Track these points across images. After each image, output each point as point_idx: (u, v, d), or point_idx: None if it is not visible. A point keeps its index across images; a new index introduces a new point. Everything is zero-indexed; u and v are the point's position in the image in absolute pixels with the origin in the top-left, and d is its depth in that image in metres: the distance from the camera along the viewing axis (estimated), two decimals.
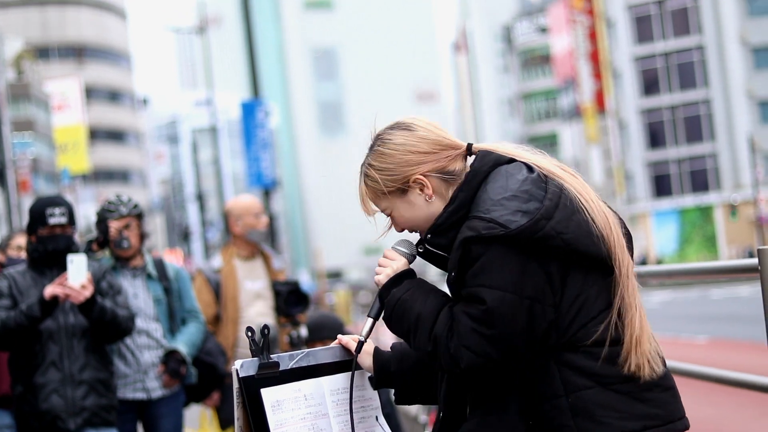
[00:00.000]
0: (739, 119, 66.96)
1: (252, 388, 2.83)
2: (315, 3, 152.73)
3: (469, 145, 2.85)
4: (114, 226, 6.38)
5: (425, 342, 2.71)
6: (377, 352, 2.99)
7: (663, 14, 70.43)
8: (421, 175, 2.80)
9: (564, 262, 2.65)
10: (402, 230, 2.90)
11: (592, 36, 74.56)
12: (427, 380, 2.94)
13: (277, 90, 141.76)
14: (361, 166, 2.90)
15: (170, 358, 6.41)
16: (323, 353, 2.99)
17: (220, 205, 59.01)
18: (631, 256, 2.78)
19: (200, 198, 63.29)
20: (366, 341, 2.93)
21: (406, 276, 2.84)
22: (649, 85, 70.90)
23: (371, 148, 2.89)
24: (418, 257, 2.91)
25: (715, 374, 4.99)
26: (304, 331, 6.70)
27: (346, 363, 2.99)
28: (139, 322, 6.33)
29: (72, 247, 5.72)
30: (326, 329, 6.11)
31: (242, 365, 2.84)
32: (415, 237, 2.91)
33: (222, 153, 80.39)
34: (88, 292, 5.52)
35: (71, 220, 5.76)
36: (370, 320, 2.90)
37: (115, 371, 6.02)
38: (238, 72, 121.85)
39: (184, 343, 6.49)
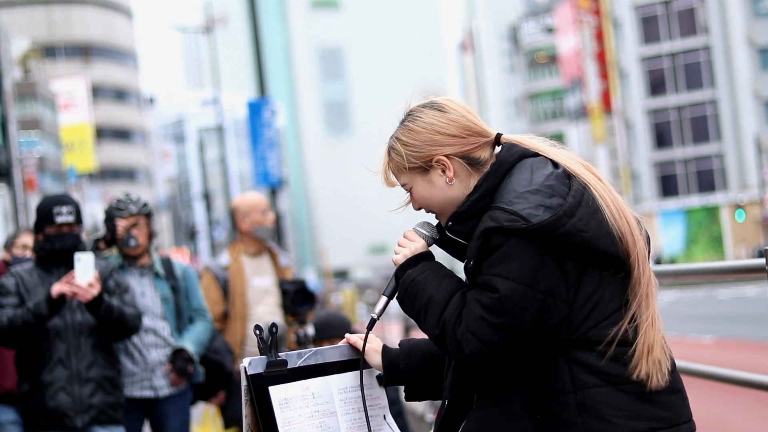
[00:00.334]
0: (746, 119, 66.88)
1: (260, 385, 2.84)
2: (321, 2, 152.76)
3: (498, 135, 2.86)
4: (121, 224, 6.39)
5: (434, 325, 2.73)
6: (386, 349, 2.99)
7: (669, 14, 70.35)
8: (444, 156, 2.80)
9: (581, 260, 2.66)
10: (419, 208, 2.90)
11: (599, 36, 74.49)
12: (437, 375, 2.94)
13: (284, 89, 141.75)
14: (390, 137, 2.91)
15: (177, 356, 6.42)
16: (331, 352, 2.99)
17: (226, 204, 59.03)
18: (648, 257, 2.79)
19: (207, 197, 63.35)
20: (378, 319, 2.92)
21: (423, 258, 2.85)
22: (656, 85, 70.83)
23: (401, 122, 2.89)
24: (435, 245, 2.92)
25: (721, 374, 4.99)
26: (311, 330, 6.70)
27: (354, 362, 2.99)
28: (147, 321, 6.34)
29: (79, 246, 5.73)
30: (334, 328, 6.11)
31: (250, 363, 2.84)
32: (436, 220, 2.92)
33: (228, 152, 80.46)
34: (95, 290, 5.54)
35: (78, 219, 5.77)
36: (384, 298, 2.91)
37: (122, 369, 6.03)
38: (245, 71, 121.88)
39: (191, 342, 6.50)
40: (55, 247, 5.71)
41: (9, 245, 7.42)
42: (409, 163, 2.83)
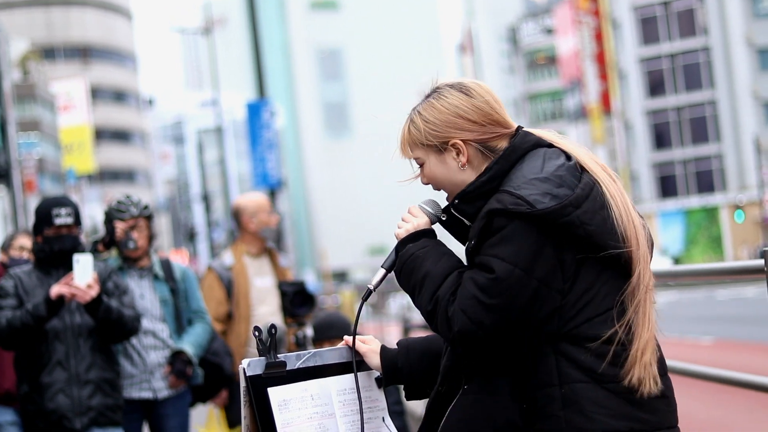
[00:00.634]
0: (745, 120, 66.91)
1: (259, 387, 2.84)
2: (320, 3, 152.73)
3: (519, 128, 2.86)
4: (120, 226, 6.39)
5: (427, 301, 2.74)
6: (384, 349, 3.00)
7: (669, 15, 70.38)
8: (461, 140, 2.81)
9: (581, 253, 2.67)
10: (427, 183, 2.90)
11: (598, 37, 74.51)
12: (435, 372, 2.94)
13: (283, 90, 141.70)
14: (412, 109, 2.91)
15: (176, 358, 6.42)
16: (330, 354, 3.00)
17: (225, 206, 59.01)
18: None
19: (206, 198, 63.32)
20: (374, 291, 2.93)
21: (425, 234, 2.85)
22: (655, 86, 70.86)
23: (426, 96, 2.90)
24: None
25: (720, 375, 4.99)
26: (310, 331, 6.70)
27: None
28: (146, 323, 6.34)
29: (78, 248, 5.73)
30: (334, 329, 6.11)
31: (249, 364, 2.85)
32: (442, 198, 2.93)
33: (227, 153, 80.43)
34: (94, 292, 5.54)
35: (77, 221, 5.77)
36: (382, 271, 2.92)
37: (121, 371, 6.03)
38: (244, 72, 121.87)
39: (190, 344, 6.50)
40: (54, 249, 5.71)
41: (6, 247, 7.41)
42: (426, 140, 2.84)
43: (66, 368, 5.67)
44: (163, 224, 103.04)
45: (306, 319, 7.29)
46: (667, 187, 70.64)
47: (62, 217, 5.69)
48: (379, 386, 3.01)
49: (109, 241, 6.41)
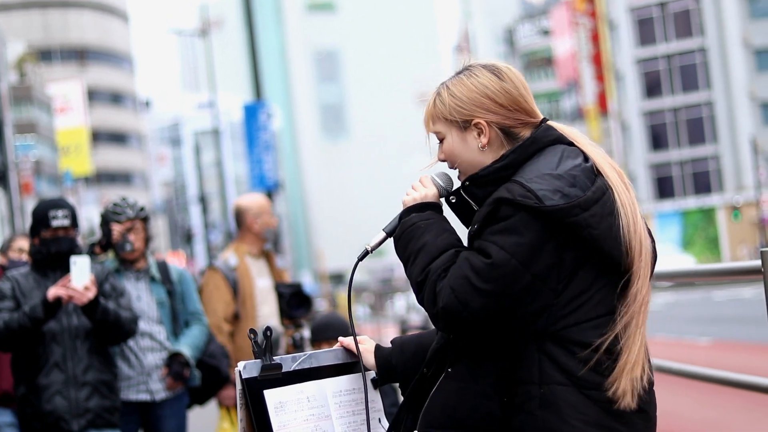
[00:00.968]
0: (742, 121, 66.94)
1: (255, 389, 2.84)
2: (317, 5, 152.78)
3: (544, 119, 2.85)
4: (116, 228, 6.38)
5: (419, 271, 2.73)
6: (378, 348, 3.00)
7: (665, 16, 70.41)
8: (485, 121, 2.80)
9: (581, 256, 2.66)
10: (444, 160, 2.89)
11: (595, 38, 74.53)
12: None
13: (280, 92, 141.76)
14: (441, 83, 2.90)
15: (173, 360, 6.41)
16: (326, 355, 3.00)
17: (222, 208, 58.98)
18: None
19: (203, 200, 63.26)
20: (371, 252, 2.94)
21: (431, 207, 2.85)
22: (652, 87, 70.89)
23: (457, 72, 2.89)
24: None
25: (718, 376, 4.99)
26: (307, 333, 6.69)
27: (349, 365, 3.00)
28: (143, 325, 6.34)
29: (75, 250, 5.73)
30: (331, 329, 6.10)
31: (245, 367, 2.84)
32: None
33: (224, 155, 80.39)
34: (91, 294, 5.53)
35: (74, 223, 5.77)
36: (383, 234, 2.92)
37: (118, 373, 6.03)
38: (241, 74, 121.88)
39: (187, 346, 6.49)
40: (51, 251, 5.71)
41: (5, 249, 7.42)
42: (450, 114, 2.83)
43: (63, 370, 5.66)
44: (159, 226, 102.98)
45: (303, 321, 7.29)
46: (664, 188, 70.66)
47: (59, 219, 5.69)
48: (375, 387, 3.00)
49: (106, 243, 6.40)
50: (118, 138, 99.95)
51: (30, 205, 45.59)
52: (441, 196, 2.89)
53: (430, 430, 2.76)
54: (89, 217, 64.90)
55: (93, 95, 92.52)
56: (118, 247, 6.38)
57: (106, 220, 6.43)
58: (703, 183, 69.25)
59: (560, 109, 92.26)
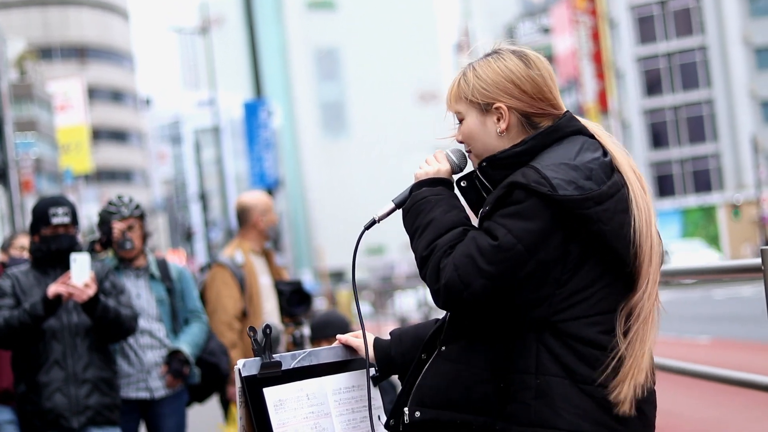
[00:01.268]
0: (742, 119, 66.95)
1: (254, 387, 2.84)
2: (317, 3, 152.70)
3: (567, 112, 2.84)
4: (117, 227, 6.39)
5: (424, 246, 2.72)
6: (377, 341, 3.00)
7: (666, 15, 70.41)
8: (506, 106, 2.78)
9: (588, 250, 2.65)
10: (462, 141, 2.88)
11: (595, 36, 74.51)
12: None
13: (280, 90, 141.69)
14: (467, 64, 2.89)
15: (173, 358, 6.41)
16: (325, 353, 2.99)
17: (222, 205, 58.98)
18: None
19: (203, 198, 63.26)
20: (378, 222, 2.92)
21: (443, 183, 2.84)
22: (652, 85, 70.90)
23: (485, 55, 2.88)
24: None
25: (718, 374, 4.99)
26: (307, 330, 6.69)
27: (348, 362, 2.99)
28: (142, 323, 6.34)
29: (75, 247, 5.73)
30: (331, 327, 6.10)
31: (244, 365, 2.84)
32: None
33: (225, 153, 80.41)
34: (91, 291, 5.53)
35: (74, 220, 5.77)
36: (391, 205, 2.91)
37: (118, 371, 6.03)
38: (241, 72, 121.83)
39: (187, 344, 6.49)
40: (51, 249, 5.71)
41: (6, 246, 7.43)
42: (473, 95, 2.82)
43: (63, 367, 5.67)
44: (160, 224, 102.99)
45: (303, 318, 7.28)
46: (664, 186, 70.66)
47: (59, 217, 5.69)
48: (374, 384, 3.00)
49: (105, 241, 6.41)
50: (118, 136, 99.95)
51: (30, 202, 45.59)
52: (453, 173, 2.88)
53: (422, 409, 2.74)
54: (89, 214, 64.87)
55: (93, 93, 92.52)
56: (119, 245, 6.39)
57: (104, 219, 6.44)
58: (703, 181, 69.26)
59: None
